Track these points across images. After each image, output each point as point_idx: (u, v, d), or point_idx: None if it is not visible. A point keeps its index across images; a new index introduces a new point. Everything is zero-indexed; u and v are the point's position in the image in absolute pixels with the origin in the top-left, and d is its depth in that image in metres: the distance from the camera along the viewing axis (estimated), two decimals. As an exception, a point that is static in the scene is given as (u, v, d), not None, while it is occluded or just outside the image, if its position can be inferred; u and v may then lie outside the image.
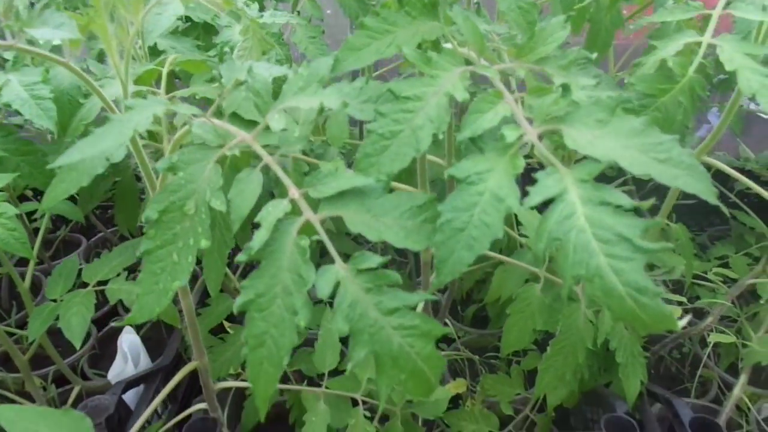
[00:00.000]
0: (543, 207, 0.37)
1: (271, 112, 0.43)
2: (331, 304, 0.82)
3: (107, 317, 1.15)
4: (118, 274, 0.70)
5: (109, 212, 1.38)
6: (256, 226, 0.38)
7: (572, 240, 0.34)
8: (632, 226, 0.34)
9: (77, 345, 0.63)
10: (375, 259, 0.37)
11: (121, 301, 1.18)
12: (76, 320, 0.63)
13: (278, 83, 0.50)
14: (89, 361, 1.05)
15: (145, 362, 0.95)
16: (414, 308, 0.37)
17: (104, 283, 0.70)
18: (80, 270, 0.79)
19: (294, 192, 0.39)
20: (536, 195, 0.36)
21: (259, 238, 0.37)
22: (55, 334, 1.03)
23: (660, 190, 1.00)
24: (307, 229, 0.38)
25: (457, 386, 0.94)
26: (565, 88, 0.39)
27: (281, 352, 0.37)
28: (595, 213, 0.35)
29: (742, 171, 1.27)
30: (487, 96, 0.41)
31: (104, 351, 1.09)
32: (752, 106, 1.44)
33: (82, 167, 0.60)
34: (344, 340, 0.81)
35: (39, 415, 0.54)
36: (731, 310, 0.99)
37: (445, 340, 1.04)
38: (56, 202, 0.60)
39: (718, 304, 0.94)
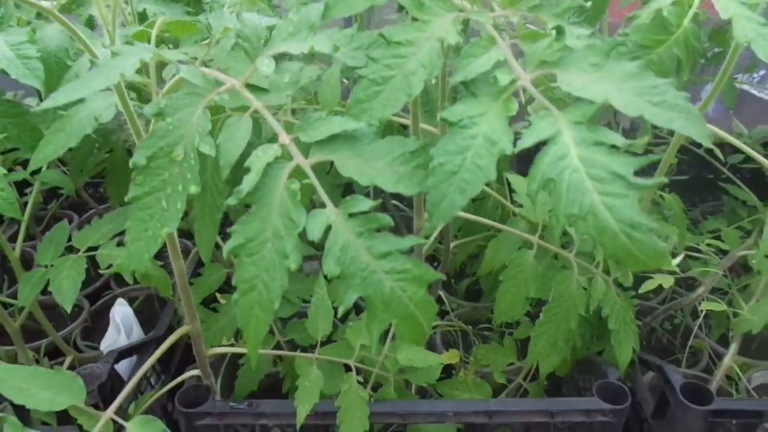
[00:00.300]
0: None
1: (260, 57, 0.42)
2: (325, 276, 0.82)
3: (100, 291, 1.14)
4: (109, 240, 0.69)
5: (101, 189, 1.37)
6: (247, 172, 0.38)
7: (566, 180, 0.34)
8: (626, 164, 0.33)
9: (68, 308, 0.63)
10: (366, 203, 0.37)
11: (114, 276, 1.19)
12: (67, 284, 0.62)
13: (268, 38, 0.49)
14: (82, 334, 1.05)
15: (138, 334, 0.95)
16: (405, 253, 0.37)
17: (95, 249, 0.70)
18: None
19: (284, 137, 0.39)
20: (529, 137, 0.36)
21: (248, 181, 0.37)
22: (48, 308, 1.03)
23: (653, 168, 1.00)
24: (297, 173, 0.38)
25: (450, 357, 0.94)
26: (559, 32, 0.39)
27: (272, 296, 0.36)
28: (588, 153, 0.34)
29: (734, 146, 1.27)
30: (480, 41, 0.40)
31: (97, 325, 1.09)
32: (744, 85, 1.44)
33: (70, 128, 0.59)
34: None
35: (30, 374, 0.54)
36: (723, 282, 1.00)
37: (438, 314, 1.04)
38: (44, 163, 0.59)
39: (709, 274, 0.94)
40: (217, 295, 0.91)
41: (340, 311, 0.36)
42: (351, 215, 0.37)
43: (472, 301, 1.08)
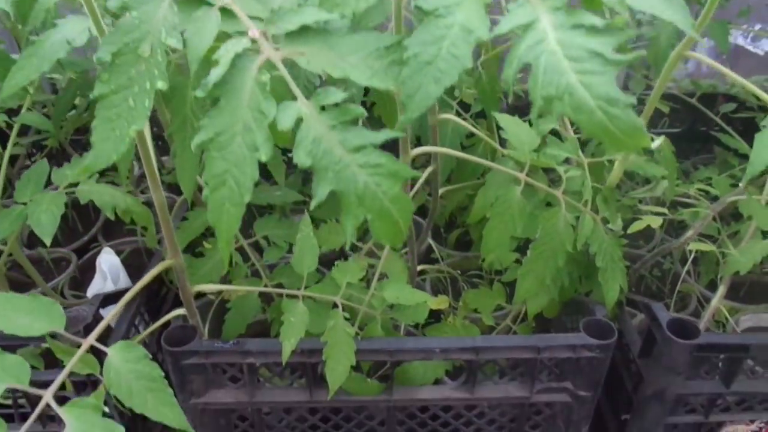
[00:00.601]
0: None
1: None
2: (313, 219, 0.82)
3: (87, 245, 1.14)
4: (89, 177, 0.68)
5: (85, 138, 1.35)
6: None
7: (542, 63, 0.33)
8: (604, 42, 0.32)
9: (47, 241, 0.62)
10: (338, 95, 0.36)
11: (102, 231, 1.19)
12: (46, 217, 0.61)
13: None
14: (70, 286, 1.05)
15: (125, 282, 0.95)
16: (379, 147, 0.36)
17: (75, 186, 0.69)
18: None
19: (254, 31, 0.37)
20: (506, 23, 0.35)
21: (216, 72, 0.35)
22: (36, 263, 1.02)
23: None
24: (268, 67, 0.37)
25: (439, 302, 0.94)
26: None
27: (243, 191, 0.36)
28: (566, 36, 0.33)
29: (728, 96, 1.26)
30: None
31: (85, 278, 1.08)
32: (739, 40, 1.43)
33: (42, 52, 0.57)
34: (323, 260, 0.81)
35: (6, 300, 0.53)
36: (712, 229, 0.99)
37: (427, 262, 1.04)
38: (16, 90, 0.57)
39: (699, 217, 0.94)
40: (205, 244, 0.91)
41: (313, 204, 0.36)
42: (323, 108, 0.35)
43: (462, 252, 1.08)
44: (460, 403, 0.81)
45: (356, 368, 0.80)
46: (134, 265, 1.09)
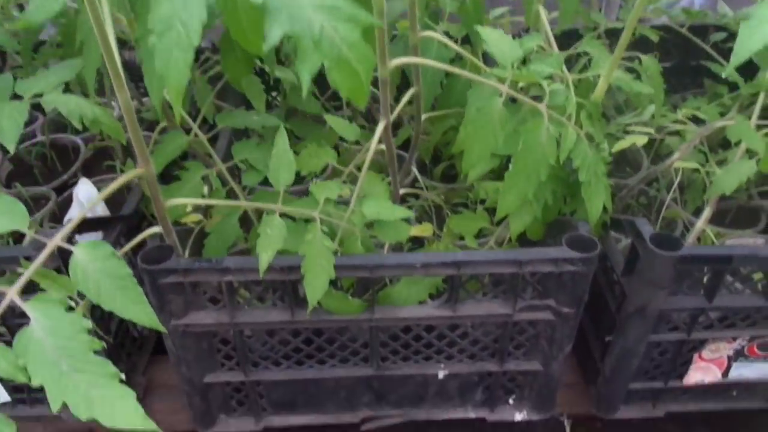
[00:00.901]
0: None
1: None
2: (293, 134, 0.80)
3: (66, 183, 1.12)
4: (55, 89, 0.66)
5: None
6: None
7: None
8: None
9: (11, 148, 0.60)
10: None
11: (82, 170, 1.17)
12: (8, 123, 0.59)
13: None
14: (49, 220, 1.03)
15: (102, 212, 0.93)
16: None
17: (40, 96, 0.66)
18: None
19: None
20: None
21: None
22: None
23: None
24: None
25: (423, 230, 0.93)
26: None
27: (191, 34, 0.34)
28: None
29: (718, 27, 1.24)
30: None
31: (64, 214, 1.07)
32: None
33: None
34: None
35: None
36: (699, 158, 0.98)
37: (412, 195, 1.02)
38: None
39: (686, 139, 0.93)
40: (185, 165, 0.88)
41: (266, 46, 0.34)
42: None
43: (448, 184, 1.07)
44: (442, 321, 0.81)
45: (337, 288, 0.79)
46: (113, 202, 1.08)
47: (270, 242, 0.68)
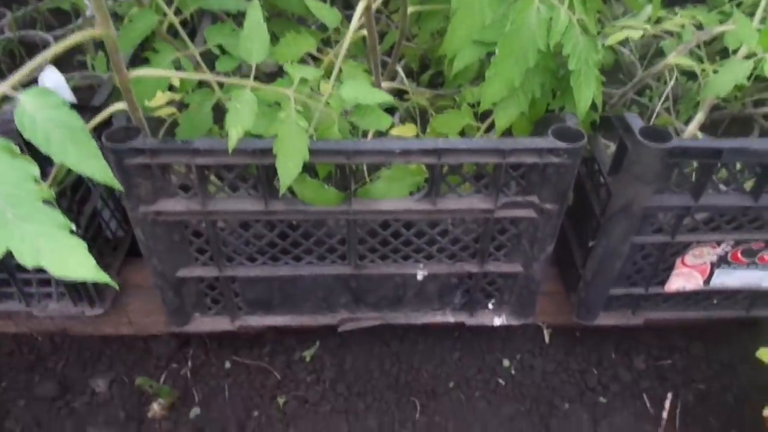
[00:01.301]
0: None
1: None
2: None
3: (35, 80, 1.06)
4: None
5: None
6: None
7: None
8: None
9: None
10: None
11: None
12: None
13: None
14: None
15: (69, 99, 0.89)
16: None
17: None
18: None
19: None
20: None
21: None
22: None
23: None
24: None
25: (407, 130, 0.90)
26: None
27: None
28: None
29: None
30: None
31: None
32: None
33: None
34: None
35: None
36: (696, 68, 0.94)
37: (400, 100, 0.98)
38: None
39: (683, 41, 0.88)
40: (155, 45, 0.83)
41: None
42: None
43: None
44: (422, 216, 0.78)
45: (313, 177, 0.76)
46: (83, 99, 1.03)
47: (240, 118, 0.64)
